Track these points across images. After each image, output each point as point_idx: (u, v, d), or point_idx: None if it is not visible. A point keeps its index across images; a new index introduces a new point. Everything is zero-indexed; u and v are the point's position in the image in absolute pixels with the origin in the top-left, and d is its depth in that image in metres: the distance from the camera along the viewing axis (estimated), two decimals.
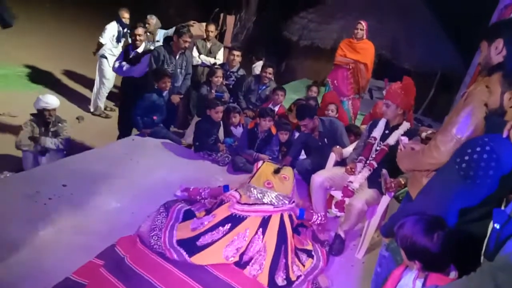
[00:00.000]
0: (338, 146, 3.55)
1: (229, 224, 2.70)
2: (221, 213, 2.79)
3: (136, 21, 5.63)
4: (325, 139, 3.82)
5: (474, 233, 1.42)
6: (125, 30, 5.90)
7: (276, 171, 3.11)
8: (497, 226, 1.25)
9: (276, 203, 2.86)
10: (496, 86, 1.50)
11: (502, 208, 1.31)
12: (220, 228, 2.68)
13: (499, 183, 1.37)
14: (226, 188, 3.20)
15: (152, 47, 5.31)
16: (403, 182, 2.75)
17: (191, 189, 3.27)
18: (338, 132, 3.84)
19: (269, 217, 2.76)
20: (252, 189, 2.96)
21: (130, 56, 4.77)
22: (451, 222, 1.45)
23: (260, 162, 3.29)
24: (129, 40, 5.39)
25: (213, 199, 3.16)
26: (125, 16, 5.84)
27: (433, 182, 1.61)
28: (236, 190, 3.01)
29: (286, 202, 2.91)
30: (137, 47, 4.83)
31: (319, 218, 3.11)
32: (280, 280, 2.51)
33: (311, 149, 4.04)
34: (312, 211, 3.17)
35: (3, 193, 2.84)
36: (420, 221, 1.44)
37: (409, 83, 3.04)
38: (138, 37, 4.80)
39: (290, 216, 2.86)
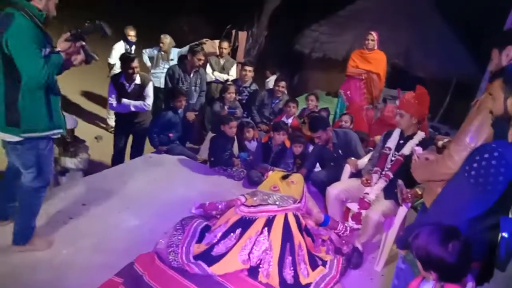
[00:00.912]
0: (353, 158, 3.54)
1: (240, 229, 2.75)
2: (231, 219, 2.84)
3: (149, 40, 5.67)
4: (340, 151, 3.81)
5: (487, 242, 1.40)
6: (133, 48, 5.91)
7: (284, 177, 3.14)
8: (505, 235, 1.24)
9: (280, 203, 2.88)
10: (498, 92, 1.49)
11: (510, 216, 1.30)
12: (232, 234, 2.74)
13: (508, 188, 1.36)
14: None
15: (166, 67, 5.43)
16: (419, 193, 2.70)
17: (207, 204, 3.29)
18: (353, 143, 3.83)
19: (274, 217, 2.80)
20: (258, 193, 3.01)
21: (129, 90, 4.27)
22: (464, 231, 1.44)
23: (271, 171, 3.31)
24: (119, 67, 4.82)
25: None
26: (131, 34, 5.86)
27: (445, 192, 1.60)
28: (242, 195, 3.07)
29: (291, 201, 2.92)
30: (133, 80, 4.27)
31: (344, 229, 3.10)
32: (289, 277, 2.55)
33: (325, 161, 4.03)
34: (338, 220, 3.16)
35: None
36: (435, 231, 1.43)
37: (422, 92, 3.02)
38: (135, 70, 4.21)
39: (296, 216, 2.87)
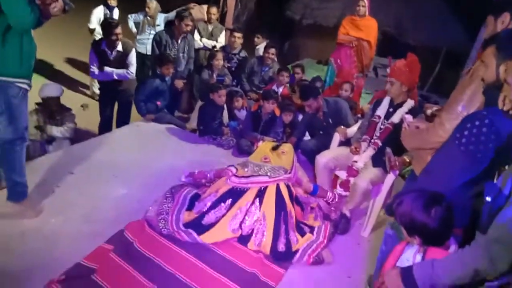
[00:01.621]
0: (342, 126, 3.54)
1: (230, 199, 2.76)
2: (221, 189, 2.85)
3: (133, 4, 5.46)
4: (330, 119, 3.81)
5: (472, 208, 1.43)
6: (112, 13, 5.75)
7: (275, 148, 3.13)
8: (488, 199, 1.26)
9: (271, 174, 2.89)
10: (491, 59, 1.48)
11: (495, 181, 1.32)
12: (222, 204, 2.74)
13: (496, 155, 1.38)
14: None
15: (153, 32, 5.28)
16: (407, 160, 2.74)
17: (196, 173, 3.29)
18: (343, 112, 3.82)
19: (266, 187, 2.81)
20: (249, 164, 3.01)
21: (111, 58, 4.16)
22: (453, 198, 1.46)
23: (261, 141, 3.30)
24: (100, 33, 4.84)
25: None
26: None
27: (435, 160, 1.62)
28: (233, 165, 3.07)
29: (282, 172, 2.93)
30: (115, 47, 4.15)
31: (333, 196, 3.14)
32: (281, 245, 2.59)
33: (315, 129, 4.03)
34: (326, 189, 3.20)
35: None
36: (418, 197, 1.46)
37: (413, 59, 3.00)
38: (118, 36, 4.06)
39: (288, 187, 2.90)
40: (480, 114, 1.40)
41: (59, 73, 6.70)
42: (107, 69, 4.15)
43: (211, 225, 2.64)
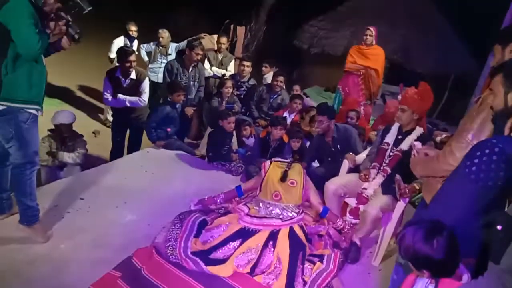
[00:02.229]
0: (351, 153, 3.54)
1: (240, 240, 2.70)
2: (231, 226, 2.79)
3: (145, 35, 5.64)
4: (338, 146, 3.81)
5: (483, 238, 1.41)
6: (133, 43, 5.93)
7: (283, 179, 2.97)
8: (499, 228, 1.25)
9: (284, 216, 2.86)
10: (498, 87, 1.49)
11: (505, 210, 1.31)
12: (231, 243, 2.69)
13: (506, 183, 1.37)
14: (238, 188, 3.21)
15: (164, 61, 5.41)
16: (417, 188, 2.72)
17: (206, 199, 3.27)
18: (352, 139, 3.83)
19: (278, 230, 2.76)
20: (260, 203, 2.97)
21: (125, 85, 4.28)
22: (465, 227, 1.44)
23: (268, 163, 3.13)
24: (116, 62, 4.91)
25: (229, 203, 3.21)
26: (132, 29, 5.90)
27: (445, 188, 1.60)
28: (244, 204, 3.02)
29: (295, 214, 2.89)
30: (129, 75, 4.27)
31: (343, 224, 3.06)
32: (300, 286, 2.52)
33: (323, 155, 4.03)
34: (337, 215, 3.15)
35: None
36: (418, 230, 1.43)
37: (426, 89, 3.01)
38: (132, 64, 4.20)
39: (301, 226, 2.85)
40: (490, 142, 1.40)
41: (73, 99, 6.86)
42: (120, 96, 4.25)
43: (219, 262, 2.59)
